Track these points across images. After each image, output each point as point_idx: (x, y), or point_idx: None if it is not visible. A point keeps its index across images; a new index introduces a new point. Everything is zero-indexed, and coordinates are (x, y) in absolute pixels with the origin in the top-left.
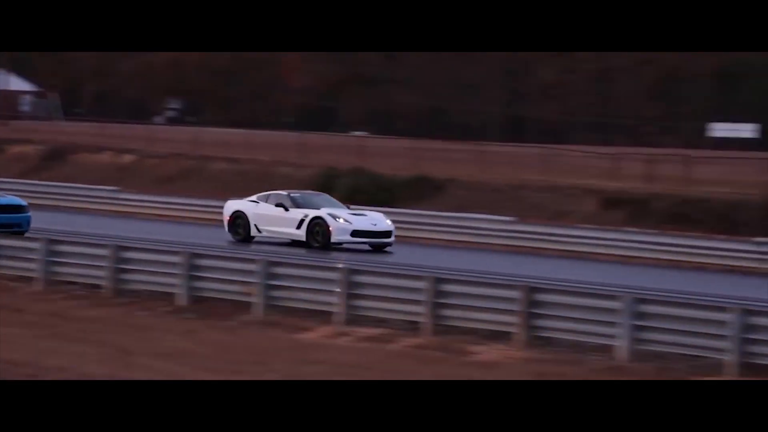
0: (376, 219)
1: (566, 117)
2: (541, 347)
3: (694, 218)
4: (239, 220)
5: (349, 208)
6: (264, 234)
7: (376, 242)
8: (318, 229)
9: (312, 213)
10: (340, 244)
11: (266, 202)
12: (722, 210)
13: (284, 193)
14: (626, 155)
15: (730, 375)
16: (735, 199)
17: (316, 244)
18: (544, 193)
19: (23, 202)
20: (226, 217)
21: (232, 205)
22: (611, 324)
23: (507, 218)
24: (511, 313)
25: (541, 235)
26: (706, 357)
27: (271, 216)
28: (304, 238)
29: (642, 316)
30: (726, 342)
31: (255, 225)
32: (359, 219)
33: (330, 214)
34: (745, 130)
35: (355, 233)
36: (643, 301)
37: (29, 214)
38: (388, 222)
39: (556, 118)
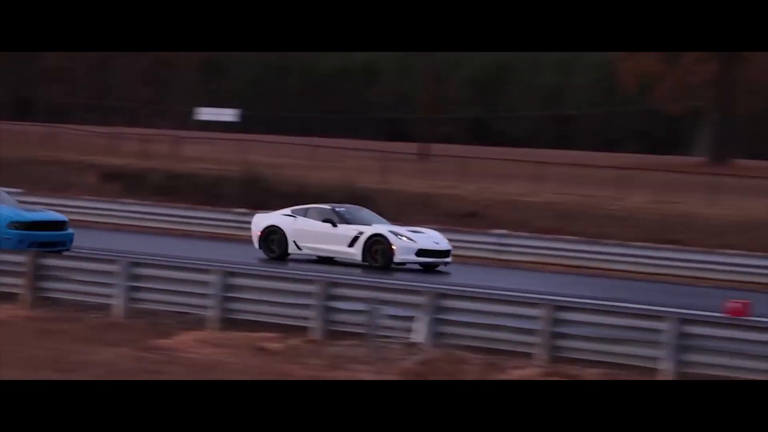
0: (436, 237)
1: (70, 99)
2: (47, 307)
3: (183, 191)
4: (274, 235)
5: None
6: (305, 251)
7: (436, 262)
8: (378, 247)
9: (368, 230)
10: (404, 264)
11: (305, 216)
12: (207, 184)
13: (327, 207)
14: (124, 134)
15: (212, 328)
16: (217, 175)
17: (376, 264)
18: (50, 167)
19: (64, 217)
20: (256, 233)
21: (262, 220)
22: (109, 285)
23: (15, 190)
24: (19, 276)
25: (46, 206)
26: (192, 313)
27: (315, 232)
28: (359, 257)
29: (136, 277)
30: (209, 300)
31: (294, 241)
32: (421, 237)
33: (392, 232)
34: (227, 115)
35: (420, 252)
36: (137, 264)
37: (71, 230)
38: (446, 240)
39: (61, 100)
